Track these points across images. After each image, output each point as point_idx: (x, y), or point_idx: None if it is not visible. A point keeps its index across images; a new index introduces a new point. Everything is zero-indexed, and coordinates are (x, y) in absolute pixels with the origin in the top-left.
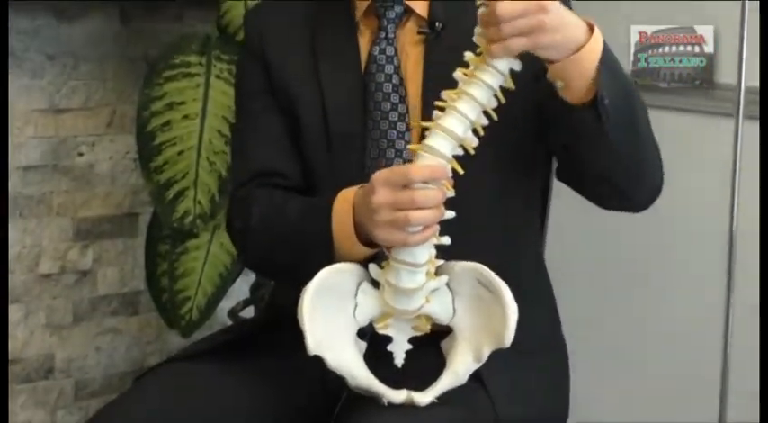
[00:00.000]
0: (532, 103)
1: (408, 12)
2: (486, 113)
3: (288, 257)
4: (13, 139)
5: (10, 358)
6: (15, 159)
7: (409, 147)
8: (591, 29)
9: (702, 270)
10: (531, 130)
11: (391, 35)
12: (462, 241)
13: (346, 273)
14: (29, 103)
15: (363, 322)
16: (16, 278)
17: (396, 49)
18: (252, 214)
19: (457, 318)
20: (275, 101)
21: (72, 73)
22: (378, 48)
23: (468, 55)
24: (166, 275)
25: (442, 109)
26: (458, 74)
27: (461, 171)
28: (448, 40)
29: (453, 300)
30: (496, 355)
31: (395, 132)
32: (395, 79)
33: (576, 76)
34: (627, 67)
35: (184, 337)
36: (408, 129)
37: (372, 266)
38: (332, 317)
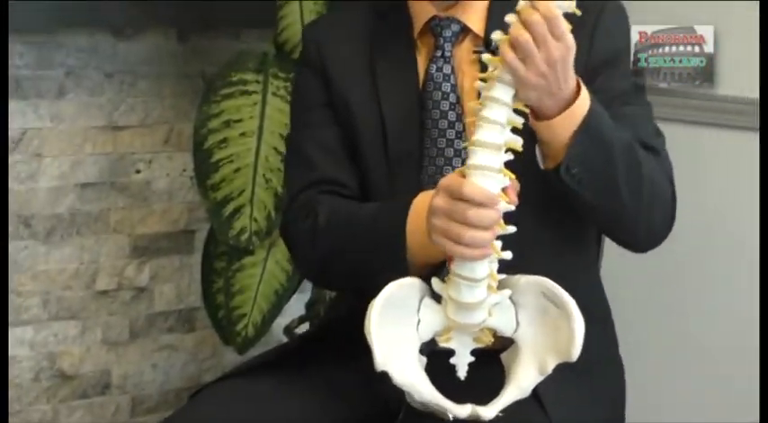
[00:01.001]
0: None
1: (465, 30)
2: (519, 112)
3: (356, 254)
4: (72, 156)
5: (67, 374)
6: (73, 176)
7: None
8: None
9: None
10: None
11: (448, 53)
12: (520, 259)
13: (410, 288)
14: (87, 120)
15: (427, 337)
16: (74, 294)
17: (453, 68)
18: (319, 213)
19: (520, 330)
20: (333, 113)
21: (130, 90)
22: (435, 66)
23: (486, 56)
24: (222, 292)
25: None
26: (477, 83)
27: (513, 176)
28: None
29: (517, 313)
30: (553, 370)
31: (452, 150)
32: (452, 97)
33: (549, 142)
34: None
35: (240, 354)
36: (466, 147)
37: (435, 280)
38: (397, 332)
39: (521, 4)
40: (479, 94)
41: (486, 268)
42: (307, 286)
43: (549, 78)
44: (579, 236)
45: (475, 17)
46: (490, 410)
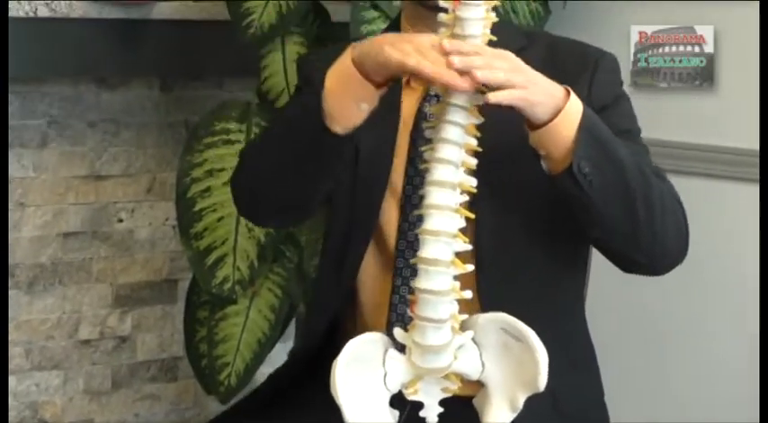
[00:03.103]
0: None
1: None
2: (474, 153)
3: (277, 130)
4: (54, 205)
5: (50, 421)
6: (56, 226)
7: (415, 212)
8: (568, 93)
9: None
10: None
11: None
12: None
13: (373, 342)
14: (70, 169)
15: (394, 389)
16: (56, 344)
17: None
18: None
19: (486, 371)
20: None
21: (113, 140)
22: (428, 105)
23: (430, 108)
24: (205, 341)
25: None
26: (425, 126)
27: (472, 216)
28: None
29: (480, 354)
30: (540, 417)
31: None
32: None
33: (554, 145)
34: (627, 67)
35: (223, 404)
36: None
37: (397, 330)
38: (364, 387)
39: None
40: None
41: (448, 308)
42: (290, 335)
43: (529, 74)
44: (566, 285)
45: None
46: None
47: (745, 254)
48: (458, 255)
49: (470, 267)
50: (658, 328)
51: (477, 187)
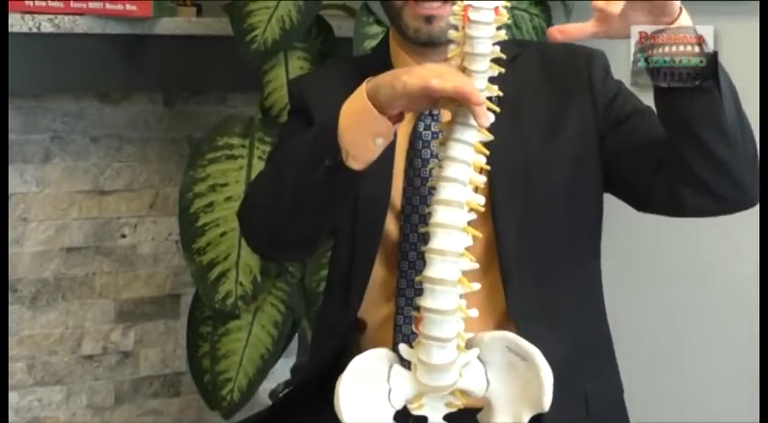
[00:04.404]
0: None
1: None
2: (481, 170)
3: (287, 169)
4: (57, 220)
5: None
6: (59, 241)
7: (421, 230)
8: None
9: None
10: (584, 215)
11: (436, 112)
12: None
13: (377, 358)
14: (73, 184)
15: (399, 405)
16: (59, 359)
17: None
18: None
19: (491, 389)
20: None
21: (116, 155)
22: (423, 123)
23: (440, 125)
24: (208, 357)
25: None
26: (434, 145)
27: (480, 235)
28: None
29: (486, 371)
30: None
31: None
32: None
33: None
34: (627, 67)
35: (225, 419)
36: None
37: (403, 346)
38: (368, 403)
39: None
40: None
41: (455, 328)
42: (292, 351)
43: None
44: (585, 282)
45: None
46: None
47: (745, 253)
48: (482, 266)
49: (477, 286)
50: (658, 328)
51: (500, 198)
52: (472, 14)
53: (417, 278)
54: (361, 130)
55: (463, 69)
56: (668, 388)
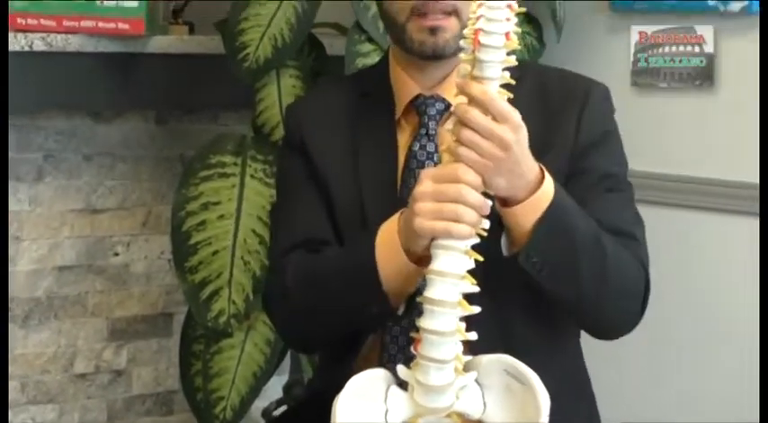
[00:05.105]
0: None
1: (450, 108)
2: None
3: (331, 300)
4: (50, 239)
5: None
6: (51, 259)
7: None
8: (542, 177)
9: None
10: None
11: (432, 131)
12: (504, 341)
13: (375, 378)
14: (65, 203)
15: None
16: (51, 378)
17: (436, 145)
18: (287, 272)
19: (488, 412)
20: (317, 185)
21: (108, 173)
22: (418, 143)
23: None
24: (200, 375)
25: None
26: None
27: (481, 258)
28: None
29: (483, 394)
30: None
31: None
32: None
33: (512, 226)
34: (627, 67)
35: None
36: None
37: (401, 367)
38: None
39: (454, 105)
40: None
41: (453, 349)
42: (285, 369)
43: (510, 160)
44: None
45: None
46: None
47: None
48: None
49: (477, 309)
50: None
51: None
52: (483, 38)
53: (418, 299)
54: (408, 283)
55: None
56: (668, 388)
